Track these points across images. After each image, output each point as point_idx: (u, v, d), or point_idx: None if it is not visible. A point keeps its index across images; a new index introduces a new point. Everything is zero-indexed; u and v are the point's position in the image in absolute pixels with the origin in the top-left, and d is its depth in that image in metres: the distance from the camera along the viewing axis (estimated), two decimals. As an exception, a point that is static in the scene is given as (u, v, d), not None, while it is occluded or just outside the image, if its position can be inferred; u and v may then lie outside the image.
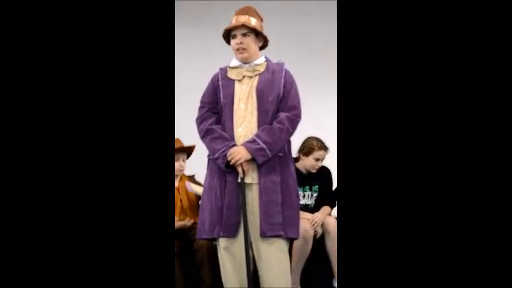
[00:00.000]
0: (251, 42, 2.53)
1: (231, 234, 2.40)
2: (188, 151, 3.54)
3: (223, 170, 2.42)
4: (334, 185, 3.50)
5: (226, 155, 2.37)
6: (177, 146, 3.46)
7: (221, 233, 2.40)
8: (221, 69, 2.60)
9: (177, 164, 3.45)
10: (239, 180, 2.41)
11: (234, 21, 2.55)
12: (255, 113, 2.45)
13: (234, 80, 2.52)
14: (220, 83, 2.53)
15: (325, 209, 3.36)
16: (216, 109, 2.52)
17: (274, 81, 2.50)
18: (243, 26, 2.51)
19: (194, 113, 4.75)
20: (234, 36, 2.53)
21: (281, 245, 2.41)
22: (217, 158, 2.40)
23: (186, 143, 3.62)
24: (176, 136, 3.36)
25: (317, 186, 3.42)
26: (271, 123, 2.43)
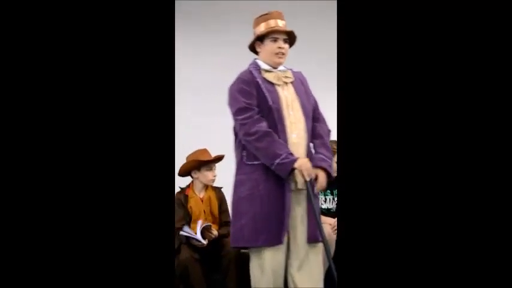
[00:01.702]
0: (287, 49, 2.54)
1: (279, 241, 2.35)
2: (219, 161, 3.53)
3: (269, 176, 2.33)
4: None
5: (290, 162, 2.29)
6: (208, 156, 3.46)
7: (270, 241, 2.33)
8: (253, 69, 2.50)
9: (211, 174, 3.45)
10: (299, 187, 2.38)
11: (274, 23, 2.50)
12: (302, 120, 2.45)
13: (274, 84, 2.47)
14: (263, 85, 2.44)
15: None
16: (259, 112, 2.40)
17: (306, 90, 2.56)
18: (284, 32, 2.51)
19: (194, 113, 4.78)
20: (276, 40, 2.50)
21: (320, 249, 2.43)
22: (278, 164, 2.29)
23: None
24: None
25: (337, 190, 3.43)
26: (313, 133, 2.47)
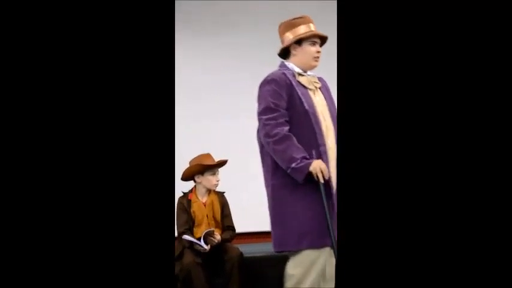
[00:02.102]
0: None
1: (326, 243, 2.32)
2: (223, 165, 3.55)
3: (305, 180, 2.30)
4: None
5: (305, 166, 2.27)
6: (212, 161, 3.47)
7: (317, 243, 2.31)
8: (286, 72, 2.49)
9: (214, 179, 3.46)
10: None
11: (313, 28, 2.54)
12: (332, 126, 2.45)
13: (307, 89, 2.48)
14: (297, 89, 2.42)
15: None
16: (286, 115, 2.38)
17: (330, 96, 2.56)
18: (319, 37, 2.54)
19: (193, 112, 4.78)
20: (314, 44, 2.52)
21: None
22: (293, 168, 2.28)
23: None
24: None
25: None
26: None
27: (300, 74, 2.49)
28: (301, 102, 2.39)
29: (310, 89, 2.48)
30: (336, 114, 2.47)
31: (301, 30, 2.51)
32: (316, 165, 2.28)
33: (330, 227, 2.28)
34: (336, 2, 1.90)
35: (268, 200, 2.44)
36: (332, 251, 2.30)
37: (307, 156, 2.31)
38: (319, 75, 4.79)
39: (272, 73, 2.48)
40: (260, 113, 2.38)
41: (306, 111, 2.39)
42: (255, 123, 2.51)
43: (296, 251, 2.34)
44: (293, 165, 2.28)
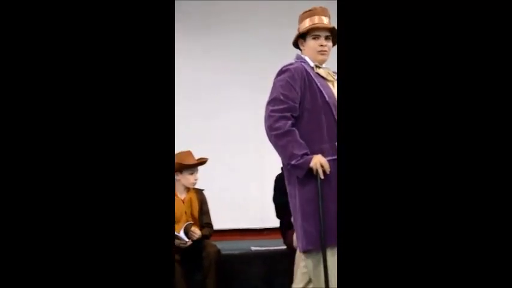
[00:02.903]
0: (330, 47, 2.49)
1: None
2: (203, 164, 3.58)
3: (330, 175, 2.25)
4: None
5: (305, 162, 2.24)
6: (192, 160, 3.50)
7: (333, 241, 2.21)
8: (304, 63, 2.43)
9: (192, 178, 3.50)
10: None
11: (318, 20, 2.45)
12: None
13: (327, 80, 2.42)
14: (316, 80, 2.37)
15: None
16: (294, 109, 2.32)
17: None
18: (327, 29, 2.46)
19: (193, 113, 4.78)
20: (317, 37, 2.45)
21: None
22: (293, 165, 2.27)
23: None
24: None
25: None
26: None
27: (317, 66, 2.44)
28: (322, 94, 2.34)
29: (329, 80, 2.44)
30: None
31: (304, 24, 2.47)
32: (316, 161, 2.25)
33: (321, 225, 2.26)
34: (335, 2, 1.89)
35: (293, 198, 2.37)
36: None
37: (308, 153, 2.28)
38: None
39: (290, 63, 2.43)
40: (268, 103, 2.33)
41: (326, 102, 2.34)
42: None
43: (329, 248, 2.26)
44: (293, 162, 2.25)
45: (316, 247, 2.26)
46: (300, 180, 2.30)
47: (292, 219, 2.44)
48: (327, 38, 2.46)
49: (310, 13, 2.48)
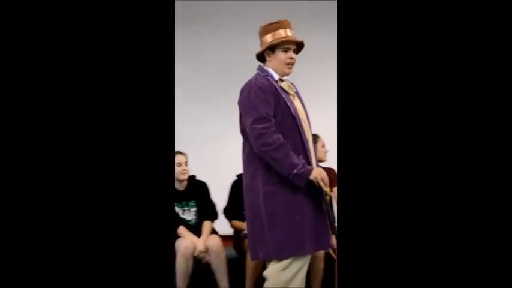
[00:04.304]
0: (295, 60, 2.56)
1: (329, 245, 2.48)
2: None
3: (300, 186, 2.35)
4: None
5: (307, 172, 2.33)
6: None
7: (318, 246, 2.44)
8: (269, 77, 2.49)
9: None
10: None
11: (285, 33, 2.51)
12: (309, 131, 2.51)
13: (289, 94, 2.50)
14: (282, 94, 2.44)
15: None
16: (276, 123, 2.40)
17: (303, 102, 2.57)
18: (295, 42, 2.53)
19: (192, 111, 4.78)
20: (287, 50, 2.51)
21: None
22: (295, 174, 2.32)
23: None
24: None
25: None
26: None
27: (280, 80, 2.50)
28: (288, 108, 2.42)
29: (291, 94, 2.50)
30: (308, 118, 2.53)
31: (275, 36, 2.50)
32: (316, 174, 2.34)
33: (335, 231, 2.37)
34: (335, 2, 1.90)
35: (255, 206, 2.43)
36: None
37: (305, 163, 2.36)
38: (318, 75, 4.77)
39: (254, 80, 2.47)
40: (253, 123, 2.37)
41: (293, 117, 2.42)
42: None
43: (294, 256, 2.38)
44: (295, 171, 2.31)
45: (286, 254, 2.36)
46: (267, 189, 2.39)
47: (247, 226, 2.52)
48: (294, 51, 2.53)
49: (277, 26, 2.53)
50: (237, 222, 3.56)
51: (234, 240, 3.65)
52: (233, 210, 3.59)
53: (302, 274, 2.38)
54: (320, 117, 4.34)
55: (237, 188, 3.56)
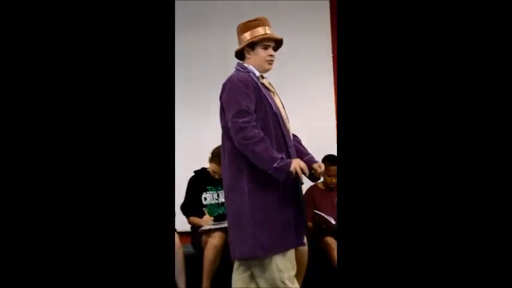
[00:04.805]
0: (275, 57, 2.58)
1: (303, 242, 2.49)
2: None
3: (280, 180, 2.36)
4: None
5: (286, 165, 2.33)
6: None
7: (295, 243, 2.44)
8: (251, 73, 2.51)
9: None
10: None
11: (264, 31, 2.53)
12: (289, 128, 2.53)
13: (270, 91, 2.52)
14: (263, 91, 2.46)
15: None
16: (255, 118, 2.41)
17: (281, 100, 2.60)
18: (274, 40, 2.55)
19: (191, 108, 4.78)
20: (267, 47, 2.52)
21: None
22: (275, 168, 2.32)
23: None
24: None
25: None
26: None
27: (261, 77, 2.52)
28: (270, 104, 2.44)
29: (272, 91, 2.52)
30: (287, 116, 2.55)
31: (255, 33, 2.52)
32: (296, 164, 2.35)
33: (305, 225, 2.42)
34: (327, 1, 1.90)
35: (238, 205, 2.43)
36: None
37: (284, 156, 2.37)
38: (317, 75, 4.77)
39: (236, 74, 2.49)
40: (234, 116, 2.37)
41: (274, 113, 2.43)
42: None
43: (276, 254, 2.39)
44: (275, 164, 2.32)
45: (267, 253, 2.37)
46: (253, 188, 2.39)
47: (228, 225, 2.52)
48: (273, 48, 2.55)
49: (256, 23, 2.55)
50: (195, 219, 3.59)
51: (192, 237, 3.66)
52: (190, 206, 3.63)
53: (290, 265, 2.41)
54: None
55: (194, 184, 3.64)
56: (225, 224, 3.16)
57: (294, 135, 2.60)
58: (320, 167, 2.51)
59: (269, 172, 2.33)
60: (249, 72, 2.50)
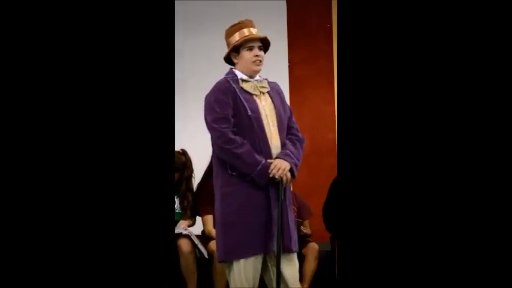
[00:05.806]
0: (263, 56, 2.54)
1: (269, 250, 2.40)
2: None
3: (255, 186, 2.37)
4: None
5: (267, 167, 2.34)
6: None
7: (260, 250, 2.38)
8: (230, 80, 2.50)
9: None
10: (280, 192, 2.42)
11: (248, 32, 2.50)
12: (278, 131, 2.49)
13: (252, 94, 2.49)
14: (240, 95, 2.45)
15: None
16: (235, 124, 2.42)
17: (282, 101, 2.57)
18: (259, 39, 2.52)
19: (191, 110, 4.78)
20: (251, 48, 2.50)
21: (296, 261, 2.49)
22: (258, 171, 2.34)
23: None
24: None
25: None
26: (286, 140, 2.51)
27: (244, 80, 2.50)
28: (245, 108, 2.42)
29: (255, 95, 2.49)
30: (285, 117, 2.52)
31: (236, 38, 2.50)
32: (276, 163, 2.37)
33: (279, 232, 2.35)
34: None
35: (216, 207, 2.45)
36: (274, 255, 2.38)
37: (264, 159, 2.37)
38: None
39: (217, 82, 2.51)
40: (212, 122, 2.40)
41: (249, 117, 2.42)
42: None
43: (239, 259, 2.38)
44: (259, 167, 2.34)
45: (235, 257, 2.37)
46: (225, 191, 2.41)
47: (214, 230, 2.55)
48: (259, 48, 2.51)
49: (238, 26, 2.53)
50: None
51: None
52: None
53: (251, 277, 2.38)
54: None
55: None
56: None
57: (292, 134, 2.55)
58: (275, 166, 2.40)
59: (252, 175, 2.35)
60: (229, 77, 2.50)
